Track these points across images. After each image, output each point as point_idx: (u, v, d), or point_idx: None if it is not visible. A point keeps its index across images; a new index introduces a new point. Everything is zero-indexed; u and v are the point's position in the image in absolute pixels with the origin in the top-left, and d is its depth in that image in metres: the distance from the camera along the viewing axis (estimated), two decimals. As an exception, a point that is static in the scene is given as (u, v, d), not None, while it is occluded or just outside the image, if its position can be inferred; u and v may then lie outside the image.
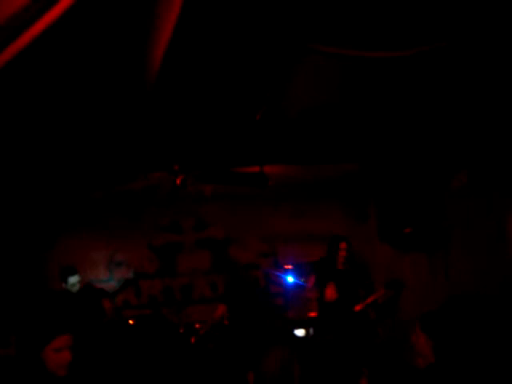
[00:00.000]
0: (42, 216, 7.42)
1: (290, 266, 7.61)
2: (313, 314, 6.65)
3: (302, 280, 6.90)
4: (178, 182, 6.04)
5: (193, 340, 6.62)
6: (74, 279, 6.36)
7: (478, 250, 6.09)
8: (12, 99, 3.96)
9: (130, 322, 6.90)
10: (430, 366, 3.30)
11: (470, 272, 6.12)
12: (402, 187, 6.92)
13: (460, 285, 6.18)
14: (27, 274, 7.35)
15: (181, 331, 6.68)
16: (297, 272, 7.07)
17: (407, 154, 6.41)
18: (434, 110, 5.15)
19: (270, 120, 5.06)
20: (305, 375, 3.28)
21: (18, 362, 2.93)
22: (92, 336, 5.69)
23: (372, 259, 7.70)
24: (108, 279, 8.07)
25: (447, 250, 6.64)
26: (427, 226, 6.72)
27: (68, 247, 7.73)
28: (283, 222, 8.25)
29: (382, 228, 7.34)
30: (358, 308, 6.25)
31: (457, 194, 6.51)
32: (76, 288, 6.39)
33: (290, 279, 7.21)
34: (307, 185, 7.87)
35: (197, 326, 6.83)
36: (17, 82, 3.61)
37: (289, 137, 5.78)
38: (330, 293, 6.38)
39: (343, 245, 6.56)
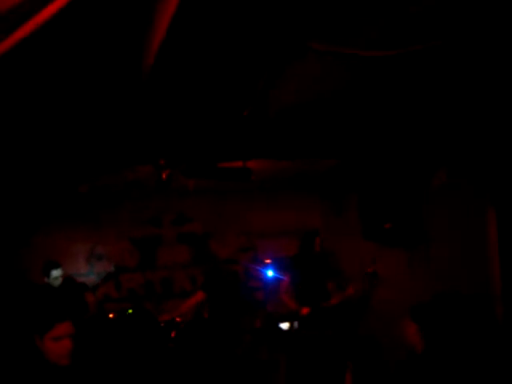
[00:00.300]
0: (22, 207, 7.35)
1: (269, 261, 7.65)
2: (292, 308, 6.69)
3: (282, 274, 6.93)
4: (164, 176, 6.02)
5: (173, 334, 6.62)
6: (56, 273, 6.41)
7: (458, 248, 6.17)
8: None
9: (110, 315, 6.88)
10: (416, 356, 3.39)
11: (450, 269, 6.21)
12: (383, 183, 6.99)
13: (439, 280, 6.26)
14: (5, 266, 7.29)
15: (161, 325, 6.68)
16: (276, 266, 7.10)
17: (388, 150, 6.47)
18: (416, 108, 5.21)
19: (254, 115, 5.07)
20: (291, 368, 3.36)
21: (17, 354, 2.84)
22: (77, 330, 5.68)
23: (351, 254, 7.76)
24: (88, 273, 8.04)
25: (427, 245, 6.73)
26: (407, 222, 6.79)
27: (48, 240, 7.68)
28: (263, 217, 8.29)
29: (363, 223, 7.40)
30: (333, 302, 6.30)
31: (437, 191, 6.59)
32: (58, 282, 6.42)
33: (270, 273, 7.24)
34: (288, 180, 7.91)
35: (177, 319, 6.84)
36: (7, 71, 3.58)
37: (272, 132, 5.79)
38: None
39: (318, 240, 6.63)
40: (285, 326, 6.16)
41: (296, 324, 6.07)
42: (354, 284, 6.45)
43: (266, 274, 7.39)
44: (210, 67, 3.87)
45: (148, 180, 6.71)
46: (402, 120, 5.51)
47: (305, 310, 6.20)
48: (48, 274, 6.39)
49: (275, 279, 7.03)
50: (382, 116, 5.43)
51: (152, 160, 6.05)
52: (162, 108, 4.69)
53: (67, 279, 6.64)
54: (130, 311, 6.89)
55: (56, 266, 6.45)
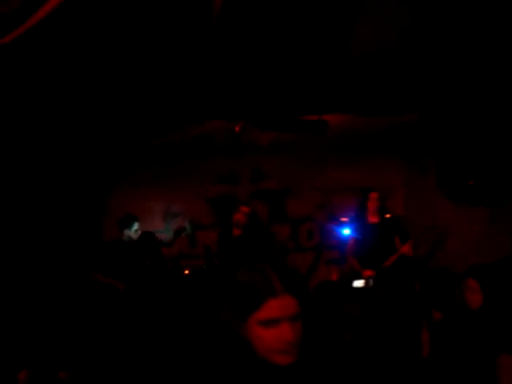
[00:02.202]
0: (99, 164, 7.48)
1: (346, 219, 7.49)
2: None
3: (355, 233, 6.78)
4: (237, 129, 5.93)
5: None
6: (137, 225, 6.69)
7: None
8: (70, 41, 3.93)
9: (186, 272, 6.96)
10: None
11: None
12: (465, 139, 6.73)
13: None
14: (85, 223, 7.48)
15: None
16: (352, 225, 6.94)
17: (471, 104, 6.19)
18: (501, 62, 4.94)
19: (329, 66, 4.91)
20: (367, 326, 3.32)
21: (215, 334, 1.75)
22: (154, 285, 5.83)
23: (427, 212, 7.53)
24: (164, 230, 8.09)
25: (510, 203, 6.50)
26: (492, 179, 6.54)
27: (124, 197, 7.79)
28: (340, 174, 8.09)
29: (443, 181, 7.17)
30: (388, 262, 6.14)
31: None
32: (137, 234, 6.66)
33: (346, 231, 7.09)
34: (365, 135, 7.70)
35: None
36: (76, 20, 3.57)
37: (348, 85, 5.63)
38: None
39: (374, 195, 6.43)
40: (359, 283, 6.03)
41: (371, 281, 5.93)
42: (412, 243, 6.21)
43: (341, 233, 7.25)
44: (282, 6, 3.73)
45: (221, 135, 6.66)
46: (489, 72, 5.25)
47: (367, 273, 6.07)
48: (130, 226, 6.63)
49: (350, 238, 6.89)
50: (467, 66, 5.19)
51: (224, 113, 5.98)
52: (234, 57, 4.59)
53: (145, 233, 6.77)
54: (205, 267, 6.95)
55: (136, 219, 6.72)
